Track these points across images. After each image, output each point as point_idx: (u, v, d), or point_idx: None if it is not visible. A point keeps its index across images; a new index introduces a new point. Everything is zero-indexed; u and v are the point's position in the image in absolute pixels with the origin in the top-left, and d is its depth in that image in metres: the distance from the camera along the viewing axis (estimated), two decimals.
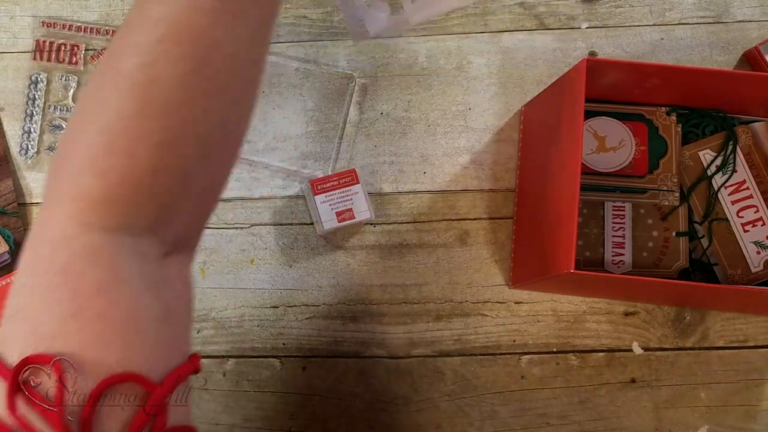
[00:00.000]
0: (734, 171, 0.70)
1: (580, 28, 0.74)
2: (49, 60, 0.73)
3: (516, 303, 0.71)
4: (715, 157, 0.70)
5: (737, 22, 0.74)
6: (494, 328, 0.71)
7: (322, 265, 0.72)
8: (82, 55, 0.73)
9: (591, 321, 0.71)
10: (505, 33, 0.74)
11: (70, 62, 0.73)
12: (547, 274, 0.61)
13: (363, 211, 0.69)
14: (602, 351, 0.71)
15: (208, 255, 0.71)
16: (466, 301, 0.71)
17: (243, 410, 0.70)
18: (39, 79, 0.73)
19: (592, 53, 0.74)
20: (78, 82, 0.73)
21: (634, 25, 0.74)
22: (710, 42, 0.74)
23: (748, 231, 0.69)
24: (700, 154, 0.70)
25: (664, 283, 0.61)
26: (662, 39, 0.74)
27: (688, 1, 0.74)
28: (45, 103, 0.73)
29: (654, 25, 0.74)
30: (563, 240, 0.57)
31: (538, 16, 0.74)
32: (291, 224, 0.72)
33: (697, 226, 0.70)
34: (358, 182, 0.69)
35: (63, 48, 0.73)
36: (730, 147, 0.69)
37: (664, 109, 0.70)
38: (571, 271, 0.55)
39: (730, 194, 0.69)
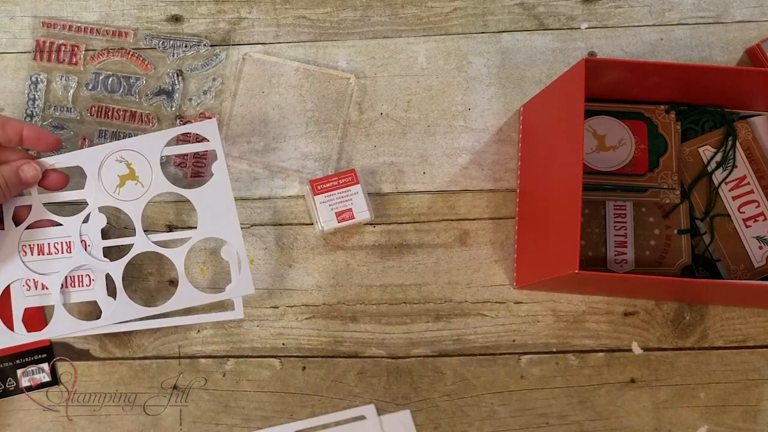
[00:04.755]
0: (734, 166, 0.70)
1: (579, 28, 0.74)
2: (49, 60, 0.73)
3: (515, 303, 0.71)
4: (715, 153, 0.70)
5: (737, 22, 0.74)
6: (494, 328, 0.71)
7: (322, 265, 0.72)
8: (82, 56, 0.73)
9: (590, 321, 0.71)
10: (504, 33, 0.74)
11: (70, 62, 0.73)
12: (552, 274, 0.61)
13: (362, 211, 0.69)
14: (602, 351, 0.71)
15: (208, 255, 0.71)
16: (466, 301, 0.71)
17: (243, 410, 0.70)
18: (39, 79, 0.73)
19: (592, 53, 0.74)
20: (78, 82, 0.73)
21: (634, 26, 0.74)
22: (710, 42, 0.74)
23: (750, 226, 0.69)
24: (700, 150, 0.70)
25: (667, 280, 0.61)
26: (662, 39, 0.74)
27: (688, 2, 0.75)
28: (45, 103, 0.73)
29: (653, 25, 0.74)
30: (567, 241, 0.57)
31: (538, 16, 0.75)
32: (291, 224, 0.72)
33: (698, 222, 0.70)
34: (357, 182, 0.69)
35: (63, 48, 0.73)
36: (730, 142, 0.70)
37: (662, 107, 0.70)
38: (576, 271, 0.55)
39: (731, 190, 0.70)
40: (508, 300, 0.71)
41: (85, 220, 0.67)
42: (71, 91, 0.73)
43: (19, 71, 0.73)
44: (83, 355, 0.70)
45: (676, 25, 0.75)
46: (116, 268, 0.67)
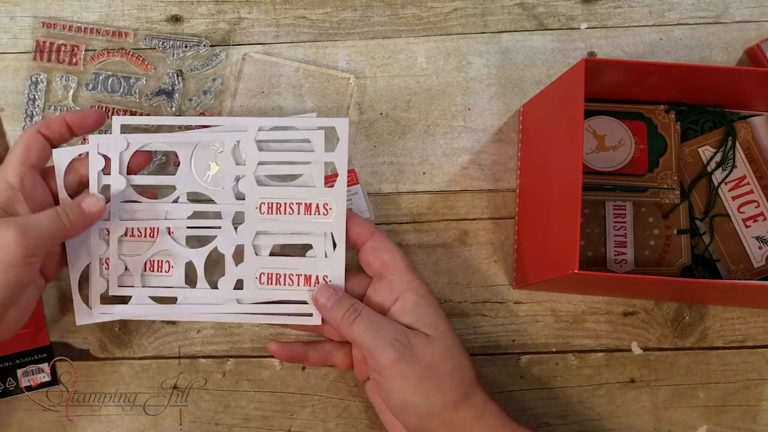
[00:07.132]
0: (734, 166, 0.70)
1: (579, 28, 0.74)
2: (49, 60, 0.73)
3: (515, 303, 0.71)
4: (715, 153, 0.70)
5: (736, 22, 0.74)
6: (493, 328, 0.71)
7: None
8: (82, 56, 0.73)
9: (590, 321, 0.71)
10: (504, 33, 0.74)
11: (70, 63, 0.73)
12: (552, 274, 0.61)
13: (362, 211, 0.69)
14: (601, 351, 0.71)
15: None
16: (466, 301, 0.71)
17: (243, 410, 0.70)
18: (39, 79, 0.73)
19: (591, 53, 0.74)
20: (78, 82, 0.73)
21: (633, 26, 0.74)
22: (709, 42, 0.74)
23: (750, 226, 0.69)
24: (700, 150, 0.70)
25: (667, 280, 0.61)
26: (661, 39, 0.74)
27: (687, 2, 0.75)
28: (45, 103, 0.73)
29: (653, 25, 0.74)
30: (566, 241, 0.57)
31: (538, 16, 0.75)
32: None
33: (698, 222, 0.70)
34: (357, 182, 0.69)
35: (63, 48, 0.73)
36: (729, 142, 0.70)
37: (662, 107, 0.70)
38: (576, 271, 0.55)
39: (730, 190, 0.70)
40: (507, 300, 0.71)
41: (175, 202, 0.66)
42: (71, 91, 0.73)
43: (19, 71, 0.73)
44: (83, 355, 0.70)
45: (675, 25, 0.75)
46: (198, 256, 0.66)
